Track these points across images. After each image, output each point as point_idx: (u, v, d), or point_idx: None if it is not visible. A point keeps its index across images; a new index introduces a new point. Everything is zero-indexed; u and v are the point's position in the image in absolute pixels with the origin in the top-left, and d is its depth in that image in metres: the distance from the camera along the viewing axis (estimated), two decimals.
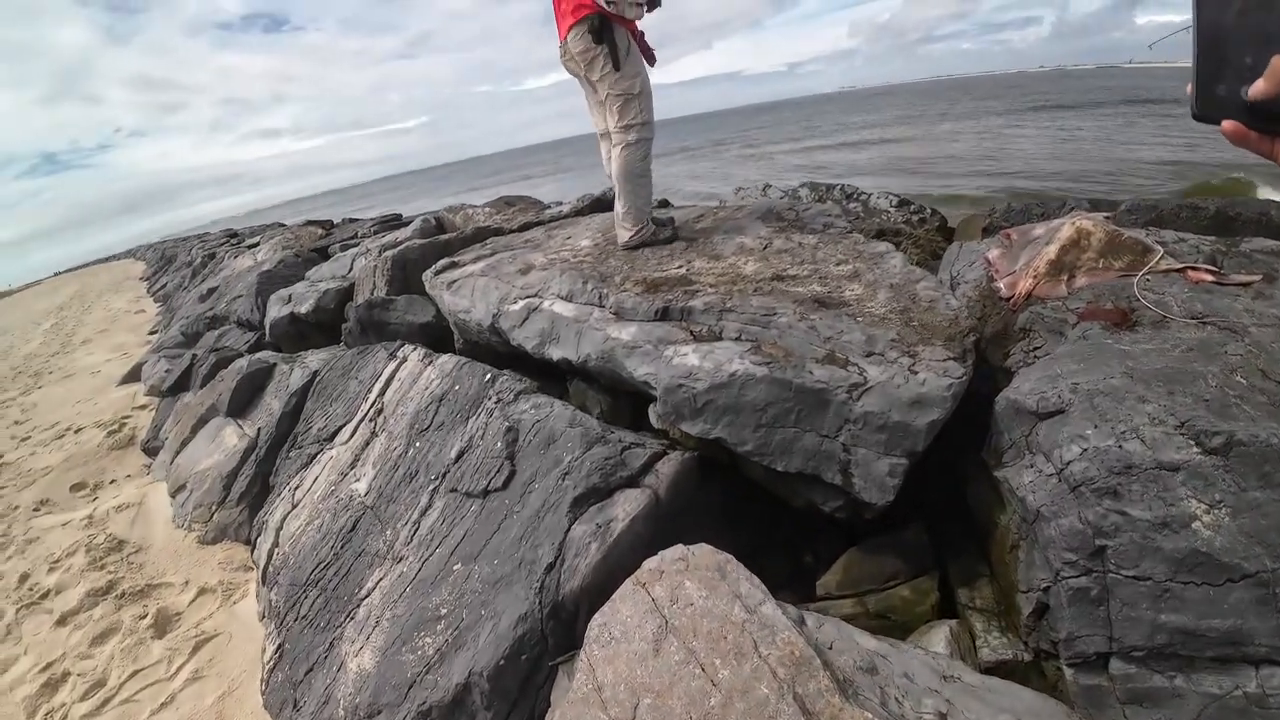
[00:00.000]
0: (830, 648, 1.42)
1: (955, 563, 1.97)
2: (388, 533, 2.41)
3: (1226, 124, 0.53)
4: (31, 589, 3.36)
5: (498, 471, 2.25)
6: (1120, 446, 1.51)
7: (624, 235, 3.34)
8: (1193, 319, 2.00)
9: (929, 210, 4.82)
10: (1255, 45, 0.50)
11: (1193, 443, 1.47)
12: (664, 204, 5.88)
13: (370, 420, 3.05)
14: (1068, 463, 1.56)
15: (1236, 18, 0.51)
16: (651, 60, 3.15)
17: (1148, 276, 2.28)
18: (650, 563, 1.65)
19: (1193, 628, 1.33)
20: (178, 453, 4.28)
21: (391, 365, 3.26)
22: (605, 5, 2.91)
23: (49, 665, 2.75)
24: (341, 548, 2.51)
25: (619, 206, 3.32)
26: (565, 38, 3.08)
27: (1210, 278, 2.22)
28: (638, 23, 3.10)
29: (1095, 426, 1.58)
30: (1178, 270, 2.30)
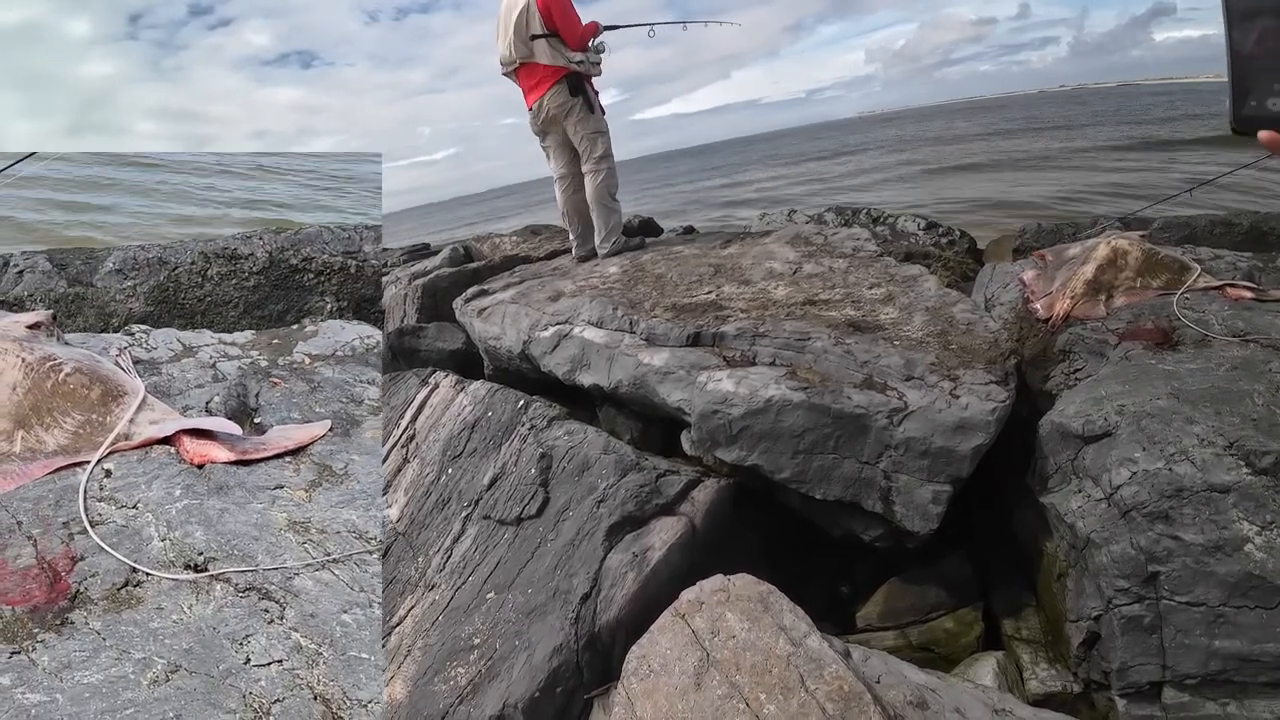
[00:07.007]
0: (878, 682, 1.38)
1: (999, 592, 1.93)
2: (419, 560, 2.41)
3: (1263, 134, 0.60)
4: None
5: (531, 499, 2.24)
6: (1170, 469, 1.48)
7: (603, 250, 4.04)
8: (1235, 337, 1.97)
9: (958, 233, 4.78)
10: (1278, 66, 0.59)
11: (1242, 463, 1.45)
12: (689, 230, 5.91)
13: (402, 446, 3.07)
14: (1117, 487, 1.52)
15: (1257, 45, 0.60)
16: (602, 111, 3.95)
17: (1187, 295, 2.25)
18: (689, 593, 1.62)
19: (1246, 653, 1.30)
20: None
21: (423, 392, 3.28)
22: (575, 66, 3.68)
23: None
24: None
25: (596, 228, 4.05)
26: (540, 99, 3.78)
27: (1250, 294, 2.20)
28: (595, 79, 3.91)
29: (1144, 449, 1.55)
30: (1216, 288, 2.28)
